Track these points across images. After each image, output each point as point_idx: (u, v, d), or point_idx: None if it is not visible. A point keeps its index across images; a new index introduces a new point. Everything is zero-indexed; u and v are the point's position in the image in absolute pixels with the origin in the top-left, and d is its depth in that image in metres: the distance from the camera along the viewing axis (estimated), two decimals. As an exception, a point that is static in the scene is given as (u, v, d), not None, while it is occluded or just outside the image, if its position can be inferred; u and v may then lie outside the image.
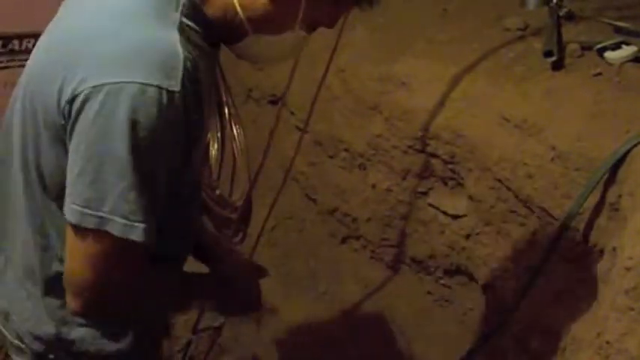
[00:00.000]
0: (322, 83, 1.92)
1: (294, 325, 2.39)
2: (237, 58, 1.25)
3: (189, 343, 2.19)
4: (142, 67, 1.03)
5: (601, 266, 1.59)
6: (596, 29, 2.03)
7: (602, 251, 1.61)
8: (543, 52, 1.91)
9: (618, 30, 1.98)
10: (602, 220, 1.63)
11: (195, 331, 2.17)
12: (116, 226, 1.04)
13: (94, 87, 1.03)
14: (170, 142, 1.07)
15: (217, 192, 1.92)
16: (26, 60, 1.23)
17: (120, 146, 1.02)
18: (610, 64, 1.84)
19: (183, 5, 1.10)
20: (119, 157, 1.03)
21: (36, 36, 1.28)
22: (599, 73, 1.83)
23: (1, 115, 1.28)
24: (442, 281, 2.20)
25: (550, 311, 1.73)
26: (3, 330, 1.31)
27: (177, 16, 1.09)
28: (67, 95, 1.06)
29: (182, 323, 2.40)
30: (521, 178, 1.81)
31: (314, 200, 2.57)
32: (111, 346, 1.27)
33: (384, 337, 2.26)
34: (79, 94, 1.04)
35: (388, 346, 2.24)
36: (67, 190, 1.07)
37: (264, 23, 1.16)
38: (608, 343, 1.30)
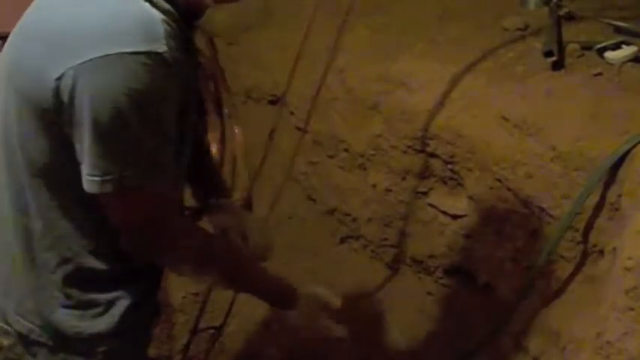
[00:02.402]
0: (322, 83, 1.92)
1: (294, 325, 2.39)
2: (207, 34, 1.26)
3: (189, 343, 2.19)
4: (125, 37, 1.05)
5: (601, 266, 1.59)
6: (596, 29, 2.03)
7: (602, 251, 1.61)
8: (543, 52, 1.91)
9: (618, 30, 1.98)
10: (602, 220, 1.63)
11: (195, 331, 2.17)
12: (134, 182, 1.11)
13: (81, 64, 1.04)
14: (170, 96, 1.11)
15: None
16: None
17: (124, 117, 1.05)
18: (610, 64, 1.84)
19: None
20: (125, 125, 1.06)
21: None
22: (599, 73, 1.83)
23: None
24: (442, 281, 2.20)
25: (550, 311, 1.73)
26: None
27: None
28: (54, 73, 1.06)
29: (182, 323, 2.40)
30: (520, 178, 1.81)
31: (314, 200, 2.57)
32: (92, 328, 1.26)
33: (383, 337, 2.25)
34: (67, 71, 1.05)
35: (388, 345, 2.24)
36: (84, 163, 1.11)
37: None
38: (608, 343, 1.31)
